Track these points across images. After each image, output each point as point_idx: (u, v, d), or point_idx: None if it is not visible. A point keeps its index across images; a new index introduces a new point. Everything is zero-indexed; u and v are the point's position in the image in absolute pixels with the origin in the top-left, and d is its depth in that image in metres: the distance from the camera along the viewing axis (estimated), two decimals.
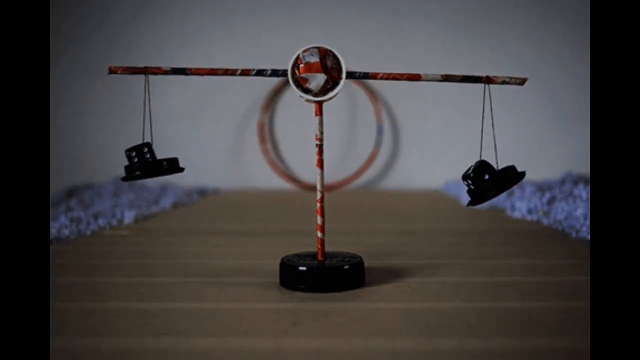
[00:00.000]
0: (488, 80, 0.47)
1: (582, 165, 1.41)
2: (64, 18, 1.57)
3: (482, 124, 0.48)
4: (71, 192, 1.25)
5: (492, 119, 0.47)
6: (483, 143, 0.49)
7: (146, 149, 0.48)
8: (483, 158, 0.48)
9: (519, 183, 1.19)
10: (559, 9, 1.54)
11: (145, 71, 0.48)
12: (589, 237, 0.70)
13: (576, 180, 1.20)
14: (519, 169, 0.48)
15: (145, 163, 0.48)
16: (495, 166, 0.47)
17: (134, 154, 0.48)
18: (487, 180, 0.47)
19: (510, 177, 0.47)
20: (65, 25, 1.58)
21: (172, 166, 0.49)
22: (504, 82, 0.47)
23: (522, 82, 0.47)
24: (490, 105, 0.46)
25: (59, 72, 1.58)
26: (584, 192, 1.00)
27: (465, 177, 0.48)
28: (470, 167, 0.48)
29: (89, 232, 0.79)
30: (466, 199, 1.16)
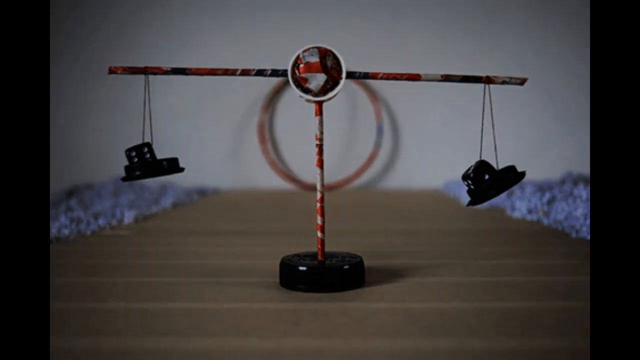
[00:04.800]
0: (488, 80, 0.47)
1: (582, 165, 1.41)
2: (64, 18, 1.57)
3: (482, 124, 0.48)
4: (71, 192, 1.25)
5: (492, 119, 0.47)
6: (483, 143, 0.49)
7: (146, 149, 0.48)
8: (483, 158, 0.48)
9: (519, 183, 1.20)
10: (559, 9, 1.54)
11: (145, 71, 0.48)
12: (589, 237, 0.70)
13: (576, 180, 1.20)
14: (519, 169, 0.48)
15: (145, 163, 0.48)
16: (495, 166, 0.47)
17: (134, 153, 0.48)
18: (487, 181, 0.47)
19: (510, 177, 0.47)
20: (65, 25, 1.58)
21: (172, 166, 0.49)
22: (504, 82, 0.47)
23: (522, 82, 0.47)
24: (490, 105, 0.46)
25: (59, 72, 1.58)
26: (584, 192, 1.00)
27: (465, 177, 0.48)
28: (470, 167, 0.48)
29: (89, 232, 0.79)
30: (466, 198, 1.16)
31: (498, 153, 0.48)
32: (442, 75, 0.48)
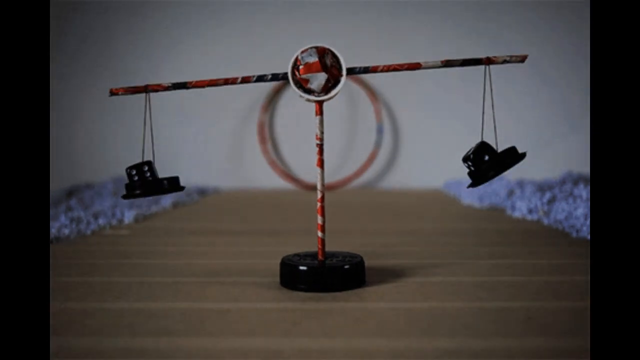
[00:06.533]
0: (489, 61, 0.47)
1: (582, 165, 1.41)
2: (64, 18, 1.57)
3: (484, 106, 0.47)
4: (71, 192, 1.25)
5: (493, 106, 0.47)
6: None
7: (147, 167, 0.48)
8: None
9: (519, 182, 1.19)
10: (559, 6, 1.54)
11: (146, 89, 0.48)
12: (589, 237, 0.70)
13: (576, 180, 1.20)
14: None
15: (145, 182, 0.48)
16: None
17: (134, 172, 0.48)
18: (487, 162, 0.46)
19: (511, 157, 0.47)
20: (65, 25, 1.58)
21: (173, 185, 0.49)
22: (504, 62, 0.47)
23: (522, 59, 0.47)
24: (491, 86, 0.46)
25: (59, 72, 1.58)
26: (584, 192, 1.00)
27: (465, 158, 0.48)
28: (471, 148, 0.48)
29: (89, 232, 0.79)
30: (466, 199, 1.16)
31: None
32: (442, 62, 0.47)
